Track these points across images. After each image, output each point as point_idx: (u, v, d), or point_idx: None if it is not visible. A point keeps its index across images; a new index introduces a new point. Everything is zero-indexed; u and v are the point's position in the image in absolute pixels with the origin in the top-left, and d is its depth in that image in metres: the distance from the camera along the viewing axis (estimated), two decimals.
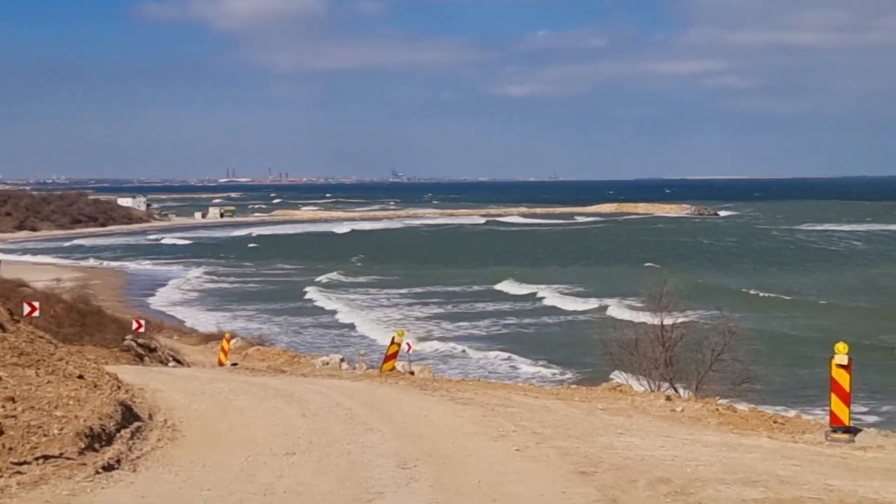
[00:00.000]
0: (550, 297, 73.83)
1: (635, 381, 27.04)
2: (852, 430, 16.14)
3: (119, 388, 17.13)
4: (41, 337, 18.29)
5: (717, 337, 28.15)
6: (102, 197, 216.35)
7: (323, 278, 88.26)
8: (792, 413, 28.25)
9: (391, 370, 26.89)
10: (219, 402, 16.94)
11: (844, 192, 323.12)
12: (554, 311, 68.40)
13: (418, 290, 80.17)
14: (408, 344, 40.05)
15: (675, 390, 25.88)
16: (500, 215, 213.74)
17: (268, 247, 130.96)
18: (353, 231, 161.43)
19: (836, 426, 15.94)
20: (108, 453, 10.75)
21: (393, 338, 27.65)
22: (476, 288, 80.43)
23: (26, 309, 33.99)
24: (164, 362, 38.77)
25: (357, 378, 24.09)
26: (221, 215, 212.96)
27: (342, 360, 44.98)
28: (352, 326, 62.63)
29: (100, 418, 11.51)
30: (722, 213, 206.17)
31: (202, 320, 66.18)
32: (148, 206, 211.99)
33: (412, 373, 39.38)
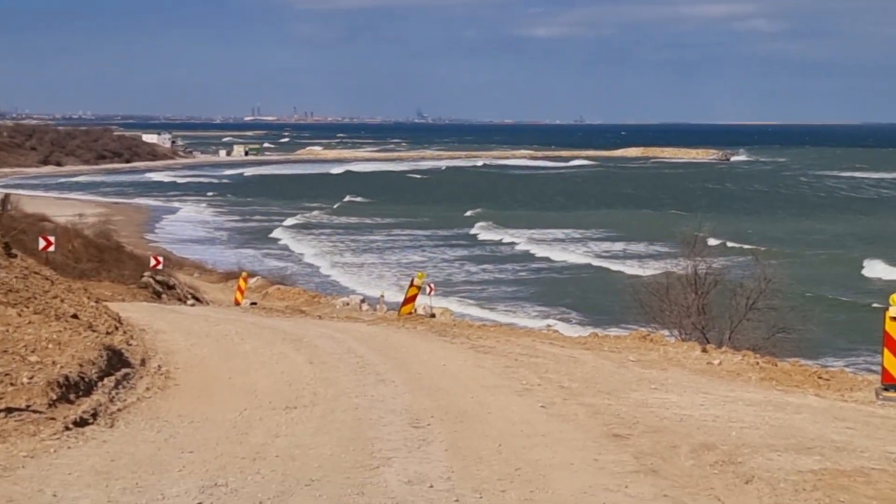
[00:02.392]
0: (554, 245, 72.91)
1: (665, 330, 25.90)
2: None
3: (117, 329, 16.04)
4: (36, 272, 17.14)
5: (752, 284, 26.89)
6: (128, 133, 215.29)
7: (292, 221, 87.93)
8: (834, 366, 27.23)
9: (410, 314, 25.76)
10: (222, 346, 15.80)
11: (872, 138, 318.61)
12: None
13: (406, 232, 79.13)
14: (429, 286, 38.99)
15: (707, 340, 24.68)
16: (527, 157, 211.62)
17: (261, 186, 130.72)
18: (347, 172, 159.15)
19: (889, 384, 14.66)
20: (84, 406, 9.55)
21: (412, 280, 26.47)
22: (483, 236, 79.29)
23: (42, 243, 33.16)
24: (182, 300, 38.05)
25: (374, 321, 22.93)
26: (246, 153, 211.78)
27: (363, 300, 44.06)
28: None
29: (80, 365, 10.34)
30: (748, 158, 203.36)
31: (218, 256, 65.70)
32: (173, 142, 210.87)
33: (433, 315, 38.39)
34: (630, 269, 56.03)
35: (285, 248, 72.18)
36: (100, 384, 10.44)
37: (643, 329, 24.05)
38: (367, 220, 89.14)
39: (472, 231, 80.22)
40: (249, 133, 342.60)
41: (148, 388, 11.33)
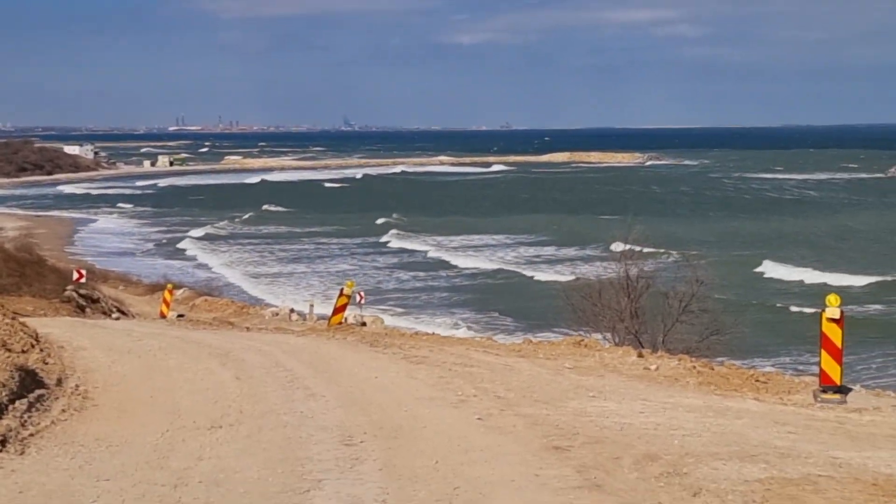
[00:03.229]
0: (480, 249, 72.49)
1: (599, 335, 25.65)
2: (843, 390, 14.72)
3: (33, 346, 15.32)
4: None
5: (685, 286, 26.73)
6: (49, 144, 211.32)
7: (201, 231, 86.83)
8: (764, 367, 27.24)
9: (340, 324, 25.21)
10: (145, 362, 15.16)
11: (792, 141, 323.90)
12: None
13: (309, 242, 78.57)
14: (359, 294, 38.42)
15: (641, 343, 24.47)
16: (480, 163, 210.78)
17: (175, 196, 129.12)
18: (262, 181, 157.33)
19: (827, 385, 14.51)
20: None
21: (342, 289, 25.90)
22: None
23: None
24: (107, 313, 37.08)
25: (303, 333, 22.34)
26: (171, 164, 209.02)
27: (292, 310, 43.35)
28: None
29: None
30: (674, 162, 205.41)
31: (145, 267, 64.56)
32: (95, 153, 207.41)
33: (364, 324, 37.83)
34: (561, 274, 55.99)
35: (201, 259, 70.95)
36: (10, 408, 9.81)
37: (577, 334, 23.78)
38: (286, 229, 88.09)
39: (385, 239, 79.06)
40: (172, 143, 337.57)
41: (64, 410, 10.71)
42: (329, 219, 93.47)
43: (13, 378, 10.46)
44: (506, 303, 48.84)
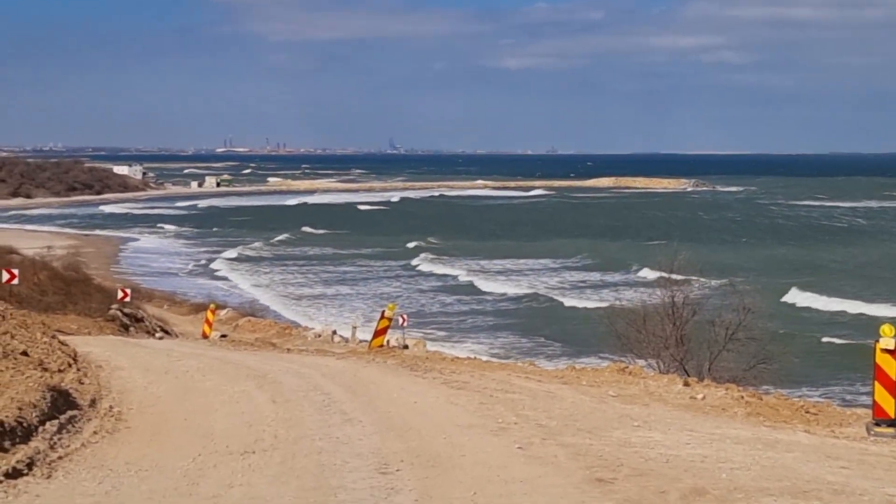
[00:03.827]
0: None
1: (643, 361, 25.22)
2: None
3: (70, 366, 15.19)
4: None
5: (731, 314, 26.23)
6: (98, 165, 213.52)
7: (234, 252, 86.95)
8: (812, 397, 26.66)
9: (381, 346, 24.97)
10: (182, 383, 14.97)
11: (838, 168, 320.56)
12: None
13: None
14: (402, 316, 38.15)
15: (686, 371, 24.00)
16: (504, 188, 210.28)
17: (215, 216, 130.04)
18: (302, 203, 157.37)
19: (881, 419, 14.01)
20: (20, 454, 8.71)
21: (383, 311, 25.67)
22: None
23: (5, 276, 32.32)
24: (150, 333, 37.19)
25: (342, 356, 22.09)
26: (218, 185, 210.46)
27: (334, 332, 43.18)
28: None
29: (19, 408, 9.51)
30: (720, 188, 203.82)
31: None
32: (144, 174, 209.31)
33: (406, 347, 37.54)
34: (605, 300, 55.43)
35: (233, 279, 70.94)
36: (40, 429, 9.60)
37: (621, 361, 23.37)
38: (318, 251, 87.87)
39: (415, 262, 78.07)
40: (218, 164, 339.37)
41: (95, 432, 10.50)
42: (366, 241, 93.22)
43: (45, 398, 10.26)
44: (549, 328, 48.38)
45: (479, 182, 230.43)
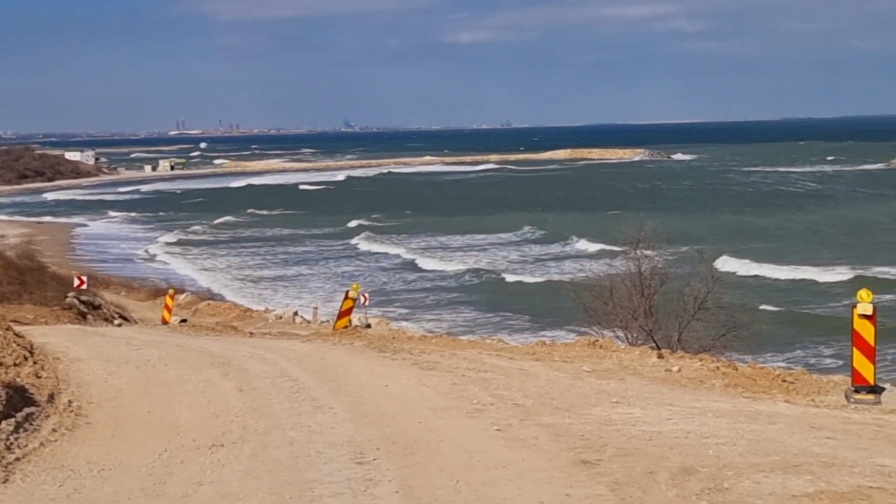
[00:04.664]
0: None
1: (611, 333, 24.96)
2: (877, 390, 13.98)
3: (26, 359, 14.63)
4: None
5: (700, 284, 26.00)
6: (50, 151, 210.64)
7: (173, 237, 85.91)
8: (780, 364, 26.50)
9: (346, 327, 24.52)
10: (144, 373, 14.43)
11: (792, 134, 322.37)
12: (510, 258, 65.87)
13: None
14: (363, 295, 37.67)
15: (656, 343, 23.77)
16: (471, 162, 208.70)
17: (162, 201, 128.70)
18: (248, 185, 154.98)
19: (860, 385, 13.79)
20: None
21: (347, 292, 25.22)
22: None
23: None
24: (109, 320, 36.48)
25: (308, 339, 21.65)
26: (172, 168, 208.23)
27: (295, 313, 42.65)
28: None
29: None
30: (676, 157, 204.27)
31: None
32: (96, 159, 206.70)
33: (369, 326, 37.11)
34: (567, 272, 55.20)
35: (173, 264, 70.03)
36: None
37: (589, 334, 23.09)
38: (275, 232, 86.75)
39: (355, 241, 76.55)
40: (168, 148, 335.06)
41: (54, 430, 9.97)
42: (310, 222, 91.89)
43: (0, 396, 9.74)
44: (514, 302, 48.00)
45: (427, 157, 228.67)
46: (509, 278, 55.97)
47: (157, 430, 10.33)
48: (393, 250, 70.22)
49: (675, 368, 15.74)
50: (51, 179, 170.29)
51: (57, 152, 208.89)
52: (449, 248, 71.80)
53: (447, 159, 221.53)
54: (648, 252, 26.93)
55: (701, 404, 12.76)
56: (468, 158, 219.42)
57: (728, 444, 10.23)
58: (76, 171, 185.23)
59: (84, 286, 39.58)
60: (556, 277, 54.32)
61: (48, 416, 10.58)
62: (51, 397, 11.51)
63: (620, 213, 73.24)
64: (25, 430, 9.62)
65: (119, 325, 33.51)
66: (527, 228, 79.36)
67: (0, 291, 37.28)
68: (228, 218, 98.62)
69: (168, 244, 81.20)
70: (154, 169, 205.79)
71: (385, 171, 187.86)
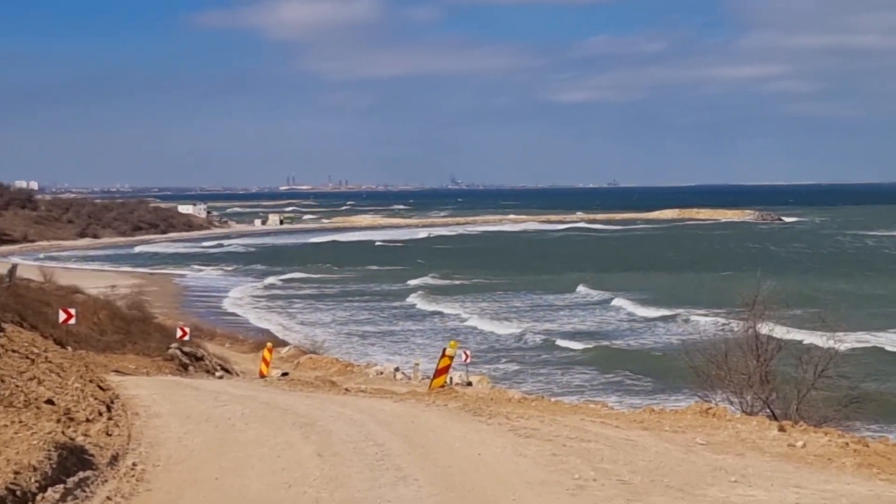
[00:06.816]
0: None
1: (723, 399, 23.40)
2: None
3: (101, 415, 13.84)
4: (14, 351, 14.97)
5: (820, 350, 24.29)
6: (164, 204, 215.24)
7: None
8: None
9: (442, 387, 23.43)
10: (221, 432, 13.52)
11: None
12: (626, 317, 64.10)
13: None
14: (465, 353, 36.64)
15: (773, 412, 22.14)
16: (559, 221, 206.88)
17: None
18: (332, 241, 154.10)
19: None
20: None
21: (444, 349, 24.15)
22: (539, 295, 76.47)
23: (62, 316, 31.47)
24: (210, 372, 36.38)
25: (402, 398, 20.56)
26: (281, 222, 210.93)
27: (396, 369, 41.88)
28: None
29: (14, 473, 8.09)
30: (786, 219, 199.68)
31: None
32: (208, 213, 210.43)
33: (469, 384, 35.97)
34: (680, 334, 53.31)
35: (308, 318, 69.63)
36: (39, 497, 8.17)
37: (702, 401, 21.61)
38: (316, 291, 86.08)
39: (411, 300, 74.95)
40: (268, 203, 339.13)
41: (108, 498, 9.03)
42: (373, 277, 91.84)
43: (49, 459, 8.84)
44: (623, 363, 46.40)
45: (512, 216, 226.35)
46: (617, 342, 54.42)
47: (222, 500, 9.33)
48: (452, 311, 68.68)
49: (800, 443, 14.25)
50: (164, 232, 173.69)
51: (171, 205, 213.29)
52: (553, 307, 70.38)
53: (537, 218, 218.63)
54: (766, 314, 25.30)
55: (832, 487, 11.34)
56: (561, 217, 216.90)
57: None
58: (188, 223, 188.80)
59: (187, 337, 39.40)
60: (664, 339, 52.57)
61: (105, 480, 9.66)
62: (114, 459, 10.61)
63: (734, 273, 71.00)
64: (75, 498, 8.69)
65: (220, 378, 33.11)
66: (648, 288, 77.48)
67: (105, 341, 37.29)
68: (300, 273, 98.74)
69: (257, 297, 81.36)
70: (264, 223, 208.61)
71: (472, 229, 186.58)
